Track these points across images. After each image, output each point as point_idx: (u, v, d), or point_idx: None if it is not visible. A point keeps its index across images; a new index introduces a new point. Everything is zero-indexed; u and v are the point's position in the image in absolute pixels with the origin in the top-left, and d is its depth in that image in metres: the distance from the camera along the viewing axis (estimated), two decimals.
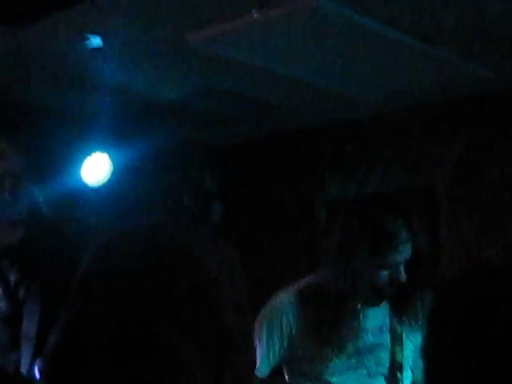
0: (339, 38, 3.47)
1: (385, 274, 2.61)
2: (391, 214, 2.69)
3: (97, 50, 3.78)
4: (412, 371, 2.80)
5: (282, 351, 2.61)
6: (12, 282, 2.79)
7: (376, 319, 2.80)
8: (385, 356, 2.79)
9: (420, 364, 2.72)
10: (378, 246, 2.59)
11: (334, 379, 2.52)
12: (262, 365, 2.54)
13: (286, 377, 2.72)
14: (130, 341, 0.90)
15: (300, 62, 3.86)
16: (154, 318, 0.94)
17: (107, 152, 4.24)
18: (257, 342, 2.60)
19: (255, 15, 3.17)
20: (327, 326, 2.50)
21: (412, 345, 2.78)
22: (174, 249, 1.12)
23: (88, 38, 3.65)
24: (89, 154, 4.10)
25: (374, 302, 2.72)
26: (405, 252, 2.62)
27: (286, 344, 2.58)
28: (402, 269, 2.59)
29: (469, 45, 3.76)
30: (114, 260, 0.98)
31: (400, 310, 2.73)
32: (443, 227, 4.61)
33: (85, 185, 4.22)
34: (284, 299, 2.62)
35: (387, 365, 2.80)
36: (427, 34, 3.54)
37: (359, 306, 2.73)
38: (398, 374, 2.76)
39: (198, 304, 1.01)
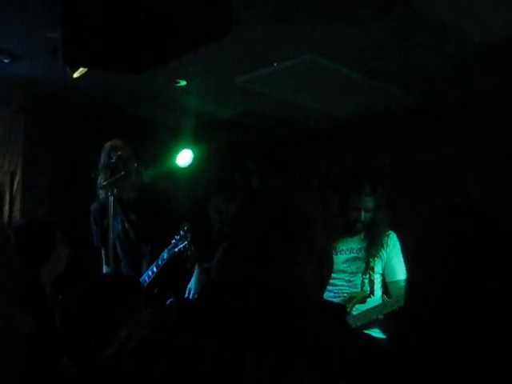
0: (326, 80, 4.29)
1: (354, 214, 3.42)
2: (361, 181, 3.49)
3: (183, 87, 4.58)
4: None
5: None
6: (132, 218, 3.71)
7: (348, 250, 3.45)
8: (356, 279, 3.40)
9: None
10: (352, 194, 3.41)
11: None
12: None
13: None
14: None
15: (300, 94, 4.62)
16: None
17: (191, 149, 4.91)
18: None
19: (275, 66, 4.06)
20: None
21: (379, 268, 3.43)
22: None
23: (178, 82, 4.49)
24: (180, 149, 4.78)
25: (348, 232, 3.47)
26: (368, 202, 3.42)
27: None
28: (363, 212, 3.40)
29: (401, 81, 4.45)
30: None
31: (369, 242, 3.44)
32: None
33: (178, 166, 4.87)
34: None
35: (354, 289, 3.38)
36: (376, 74, 4.26)
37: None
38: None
39: None
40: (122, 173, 3.46)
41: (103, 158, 3.56)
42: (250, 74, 4.23)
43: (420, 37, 3.64)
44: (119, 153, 3.51)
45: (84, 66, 3.02)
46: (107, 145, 3.62)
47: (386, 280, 3.40)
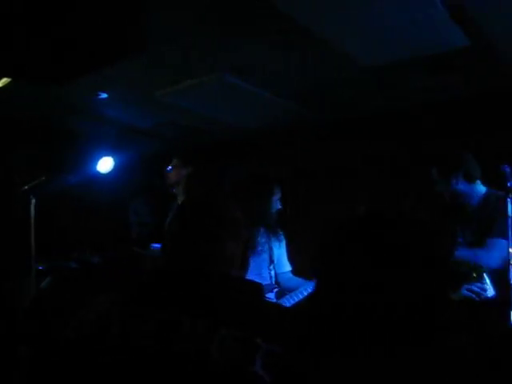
0: (235, 96, 4.40)
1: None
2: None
3: (104, 99, 4.51)
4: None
5: None
6: None
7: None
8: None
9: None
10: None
11: None
12: None
13: None
14: None
15: (212, 108, 4.75)
16: None
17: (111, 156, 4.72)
18: None
19: (189, 82, 4.10)
20: None
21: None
22: None
23: (99, 94, 4.42)
24: (102, 157, 4.60)
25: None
26: (277, 201, 3.44)
27: None
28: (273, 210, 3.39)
29: (303, 98, 4.63)
30: None
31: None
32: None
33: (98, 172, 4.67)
34: None
35: None
36: (279, 92, 4.41)
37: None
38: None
39: None
40: None
41: None
42: (167, 88, 4.29)
43: (315, 59, 3.84)
44: None
45: (7, 77, 3.04)
46: None
47: (277, 271, 3.51)
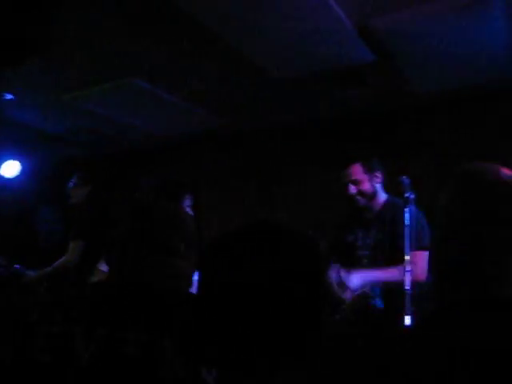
0: (146, 102, 4.36)
1: None
2: None
3: (9, 101, 4.40)
4: None
5: None
6: None
7: None
8: None
9: None
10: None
11: None
12: None
13: None
14: None
15: (122, 113, 4.65)
16: None
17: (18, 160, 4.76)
18: None
19: (99, 86, 4.02)
20: None
21: None
22: None
23: (4, 95, 4.33)
24: (7, 160, 4.60)
25: None
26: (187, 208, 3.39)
27: None
28: None
29: (214, 105, 4.63)
30: None
31: None
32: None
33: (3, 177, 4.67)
34: None
35: None
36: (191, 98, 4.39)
37: None
38: None
39: None
40: None
41: None
42: (75, 92, 4.18)
43: (229, 71, 3.90)
44: None
45: None
46: None
47: None
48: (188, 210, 3.28)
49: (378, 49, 3.52)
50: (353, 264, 2.95)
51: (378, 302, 2.72)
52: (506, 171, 1.16)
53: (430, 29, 3.26)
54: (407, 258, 2.35)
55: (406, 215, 2.48)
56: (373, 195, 3.02)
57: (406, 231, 2.43)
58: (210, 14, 2.99)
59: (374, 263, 2.90)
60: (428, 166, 4.62)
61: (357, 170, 3.03)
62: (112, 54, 3.55)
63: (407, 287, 2.23)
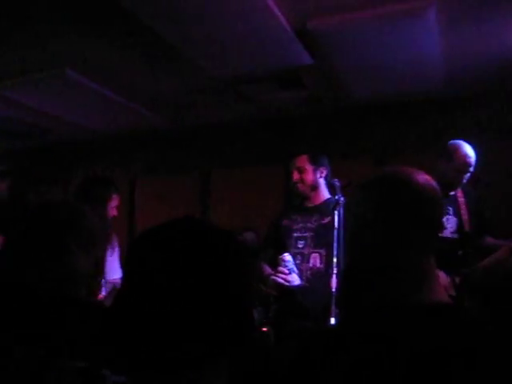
0: (80, 95, 4.23)
1: None
2: None
3: None
4: None
5: None
6: None
7: None
8: None
9: None
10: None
11: None
12: None
13: None
14: None
15: (54, 105, 4.49)
16: None
17: None
18: None
19: (28, 76, 3.86)
20: None
21: None
22: None
23: None
24: None
25: None
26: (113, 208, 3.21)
27: None
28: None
29: (151, 103, 4.60)
30: None
31: None
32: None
33: None
34: None
35: None
36: (127, 94, 4.32)
37: None
38: None
39: None
40: None
41: None
42: (3, 81, 4.01)
43: (167, 66, 3.83)
44: None
45: None
46: None
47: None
48: (114, 210, 3.14)
49: (315, 52, 3.55)
50: (288, 247, 3.02)
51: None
52: (424, 176, 1.18)
53: (367, 35, 3.32)
54: (335, 260, 2.37)
55: (335, 218, 2.51)
56: (314, 187, 3.12)
57: (335, 234, 2.46)
58: (149, 10, 2.94)
59: (310, 246, 2.97)
60: (364, 169, 4.73)
61: (302, 159, 3.16)
62: (43, 43, 3.43)
63: (333, 289, 2.26)
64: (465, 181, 3.17)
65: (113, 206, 3.09)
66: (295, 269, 2.84)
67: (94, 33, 3.32)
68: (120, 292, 0.89)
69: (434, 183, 1.17)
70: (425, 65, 3.82)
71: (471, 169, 3.12)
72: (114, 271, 3.26)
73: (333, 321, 2.14)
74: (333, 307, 2.19)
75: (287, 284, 2.79)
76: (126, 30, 3.26)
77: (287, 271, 2.80)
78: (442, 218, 1.15)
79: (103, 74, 3.91)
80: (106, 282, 3.06)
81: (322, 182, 3.15)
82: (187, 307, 0.81)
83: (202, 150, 5.41)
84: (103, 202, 3.03)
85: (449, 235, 3.20)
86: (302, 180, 3.12)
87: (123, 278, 0.90)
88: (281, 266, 2.84)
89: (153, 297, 0.82)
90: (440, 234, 3.05)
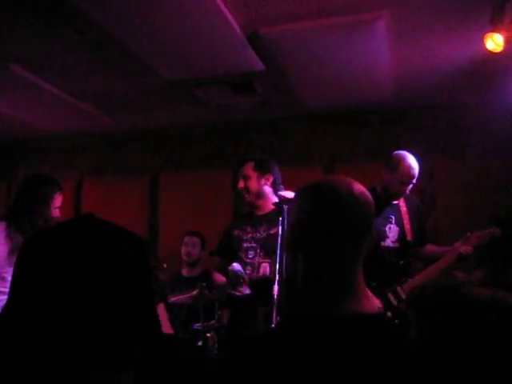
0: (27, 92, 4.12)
1: None
2: None
3: None
4: None
5: None
6: None
7: None
8: None
9: None
10: None
11: None
12: None
13: None
14: None
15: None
16: None
17: None
18: None
19: None
20: None
21: None
22: None
23: None
24: None
25: None
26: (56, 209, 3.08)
27: None
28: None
29: (101, 103, 4.56)
30: None
31: None
32: None
33: None
34: None
35: None
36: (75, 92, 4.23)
37: None
38: None
39: None
40: None
41: None
42: None
43: (118, 66, 3.78)
44: None
45: None
46: None
47: None
48: (56, 211, 2.99)
49: (267, 58, 3.57)
50: (239, 257, 3.02)
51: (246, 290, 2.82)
52: (359, 186, 1.19)
53: (317, 44, 3.36)
54: (278, 267, 2.37)
55: (279, 226, 2.51)
56: (259, 194, 3.07)
57: (279, 241, 2.46)
58: (99, 9, 2.89)
59: (260, 256, 2.98)
60: (314, 177, 4.76)
61: (248, 167, 3.10)
62: None
63: (275, 297, 2.25)
64: (408, 192, 3.21)
65: (56, 207, 2.94)
66: (246, 277, 2.84)
67: (44, 31, 3.25)
68: (12, 294, 0.84)
69: (368, 194, 1.17)
70: (374, 75, 3.90)
71: (414, 180, 3.17)
72: None
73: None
74: (274, 314, 2.18)
75: (238, 294, 2.81)
76: (77, 28, 3.21)
77: (242, 282, 2.82)
78: (372, 228, 1.15)
79: (52, 72, 3.83)
80: None
81: (267, 189, 3.08)
82: (82, 308, 0.79)
83: (152, 152, 5.36)
84: (46, 201, 2.88)
85: (390, 244, 3.23)
86: (246, 188, 3.07)
87: (14, 279, 0.85)
88: (230, 275, 2.84)
89: (48, 297, 0.79)
90: (382, 243, 3.17)
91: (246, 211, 3.25)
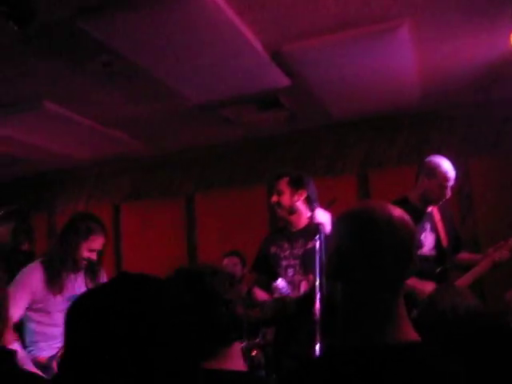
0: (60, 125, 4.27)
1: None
2: None
3: None
4: None
5: None
6: None
7: None
8: None
9: None
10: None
11: None
12: None
13: None
14: None
15: (36, 136, 4.45)
16: None
17: None
18: None
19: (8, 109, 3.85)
20: None
21: None
22: None
23: None
24: None
25: None
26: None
27: None
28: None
29: (132, 129, 4.57)
30: None
31: None
32: None
33: None
34: None
35: None
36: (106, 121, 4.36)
37: None
38: None
39: None
40: None
41: None
42: None
43: (145, 93, 3.87)
44: None
45: None
46: None
47: None
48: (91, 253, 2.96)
49: (291, 73, 3.58)
50: (277, 274, 2.99)
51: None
52: (398, 211, 1.18)
53: (341, 56, 3.37)
54: (317, 284, 2.34)
55: (316, 243, 2.49)
56: (292, 210, 3.04)
57: (317, 258, 2.43)
58: (123, 42, 2.98)
59: (300, 274, 2.95)
60: (348, 185, 4.77)
61: (282, 182, 3.08)
62: (19, 77, 3.43)
63: (317, 316, 2.22)
64: (449, 194, 3.19)
65: (91, 249, 2.93)
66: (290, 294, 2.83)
67: (73, 66, 3.35)
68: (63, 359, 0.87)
69: (408, 220, 1.15)
70: (401, 81, 3.87)
71: (452, 182, 3.16)
72: None
73: (317, 347, 2.11)
74: (317, 334, 2.15)
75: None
76: (104, 60, 3.29)
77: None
78: (414, 255, 1.14)
79: (82, 104, 3.95)
80: None
81: (300, 205, 3.05)
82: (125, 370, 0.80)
83: (185, 173, 5.40)
84: (75, 243, 2.91)
85: (427, 252, 3.21)
86: (278, 203, 3.05)
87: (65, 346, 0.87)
88: (275, 293, 2.83)
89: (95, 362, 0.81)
90: (419, 252, 3.13)
91: (281, 226, 3.22)
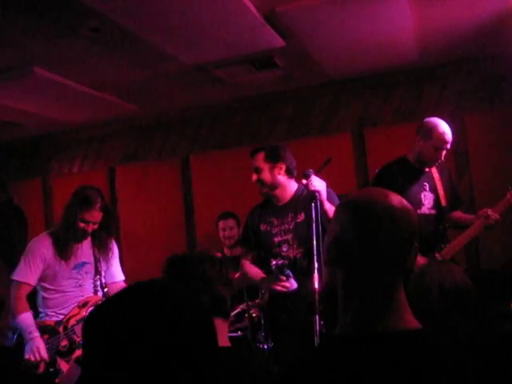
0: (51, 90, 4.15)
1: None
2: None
3: None
4: None
5: None
6: None
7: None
8: None
9: None
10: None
11: None
12: None
13: None
14: None
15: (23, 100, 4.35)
16: None
17: None
18: None
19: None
20: None
21: None
22: None
23: None
24: None
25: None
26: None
27: None
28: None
29: (125, 93, 4.56)
30: None
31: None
32: None
33: None
34: None
35: None
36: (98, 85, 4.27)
37: None
38: None
39: None
40: None
41: None
42: None
43: (136, 57, 3.79)
44: None
45: None
46: None
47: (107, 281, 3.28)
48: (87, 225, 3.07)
49: (286, 34, 3.52)
50: (271, 251, 2.94)
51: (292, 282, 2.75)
52: (398, 198, 1.17)
53: (336, 15, 3.30)
54: (315, 255, 2.32)
55: (313, 212, 2.45)
56: (274, 185, 2.94)
57: (313, 229, 2.40)
58: (115, 8, 2.91)
59: (294, 248, 2.90)
60: (343, 144, 4.75)
61: (259, 158, 2.95)
62: (8, 42, 3.35)
63: (316, 286, 2.23)
64: (443, 158, 3.17)
65: (88, 220, 3.06)
66: (290, 273, 2.75)
67: (62, 31, 3.27)
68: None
69: (409, 208, 1.14)
70: (397, 38, 3.81)
71: (448, 146, 3.14)
72: (117, 275, 3.33)
73: (317, 318, 2.12)
74: (316, 304, 2.16)
75: (285, 290, 2.75)
76: (95, 25, 3.22)
77: (285, 278, 2.73)
78: (415, 243, 1.13)
79: (73, 69, 3.86)
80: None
81: (282, 178, 2.93)
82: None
83: (180, 135, 5.34)
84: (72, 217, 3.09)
85: (427, 211, 3.22)
86: (260, 181, 2.93)
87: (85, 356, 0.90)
88: (275, 271, 2.77)
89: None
90: (418, 211, 3.13)
91: (265, 200, 3.09)
